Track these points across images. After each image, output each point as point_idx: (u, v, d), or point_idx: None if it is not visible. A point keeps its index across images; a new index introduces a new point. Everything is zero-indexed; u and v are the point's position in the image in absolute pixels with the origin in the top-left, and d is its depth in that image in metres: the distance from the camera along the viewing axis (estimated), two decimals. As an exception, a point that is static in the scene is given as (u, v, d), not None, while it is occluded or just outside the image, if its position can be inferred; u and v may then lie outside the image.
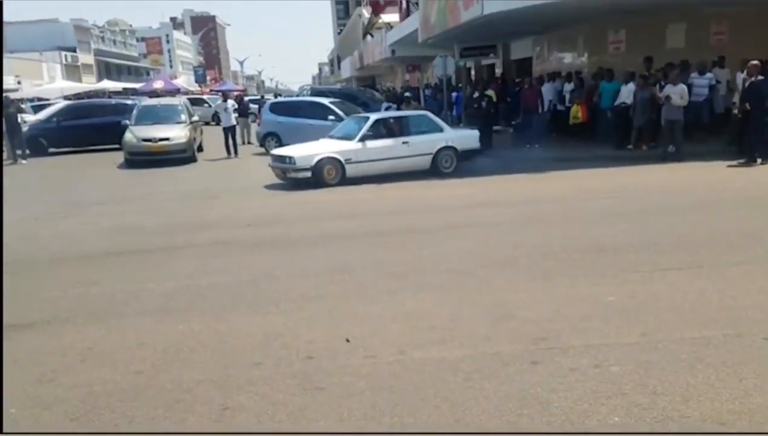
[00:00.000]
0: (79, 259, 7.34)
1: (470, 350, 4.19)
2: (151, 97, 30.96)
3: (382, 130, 12.33)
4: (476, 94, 15.75)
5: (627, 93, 13.41)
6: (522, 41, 20.93)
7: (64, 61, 58.31)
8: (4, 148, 18.88)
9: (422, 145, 12.25)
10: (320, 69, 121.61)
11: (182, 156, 16.40)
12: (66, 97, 33.93)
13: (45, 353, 4.53)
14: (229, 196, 11.57)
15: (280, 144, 15.72)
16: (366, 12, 40.55)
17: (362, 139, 11.94)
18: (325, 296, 5.46)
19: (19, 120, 18.55)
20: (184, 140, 16.58)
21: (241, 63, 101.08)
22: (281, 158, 12.03)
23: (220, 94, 32.89)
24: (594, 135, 14.45)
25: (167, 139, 16.40)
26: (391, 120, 12.81)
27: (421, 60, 28.58)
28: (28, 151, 18.39)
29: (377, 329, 4.64)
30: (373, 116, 12.79)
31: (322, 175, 11.55)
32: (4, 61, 43.46)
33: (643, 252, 6.22)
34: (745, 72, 11.62)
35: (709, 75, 13.57)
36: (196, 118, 19.56)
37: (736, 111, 11.98)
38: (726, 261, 5.85)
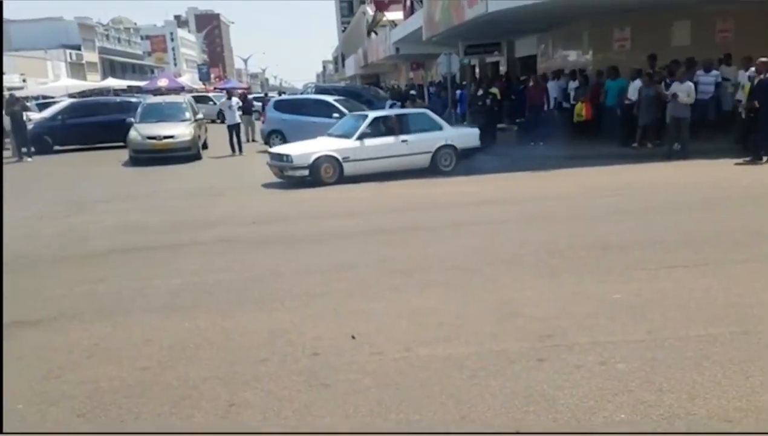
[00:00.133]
0: (85, 256, 7.36)
1: (476, 347, 4.19)
2: (155, 95, 31.00)
3: (380, 128, 12.24)
4: (480, 92, 15.72)
5: (633, 90, 13.38)
6: (527, 39, 20.89)
7: (68, 59, 58.51)
8: (10, 146, 19.00)
9: (421, 144, 12.16)
10: (324, 67, 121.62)
11: (187, 154, 16.42)
12: (71, 95, 33.98)
13: (51, 349, 4.55)
14: (234, 193, 11.59)
15: (285, 141, 15.69)
16: (370, 10, 40.55)
17: (360, 138, 11.87)
18: (330, 293, 5.46)
19: (25, 118, 18.60)
20: (188, 138, 16.61)
21: (245, 61, 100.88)
22: (279, 156, 11.96)
23: (224, 92, 32.93)
24: (599, 133, 14.41)
25: (172, 136, 16.43)
26: (390, 118, 12.70)
27: (426, 58, 28.54)
28: (33, 149, 18.45)
29: (383, 326, 4.64)
30: (372, 114, 12.73)
31: (320, 174, 11.47)
32: (10, 59, 43.64)
33: (648, 250, 6.21)
34: (752, 69, 11.57)
35: (714, 72, 13.51)
36: (200, 115, 19.59)
37: (740, 109, 11.92)
38: (732, 259, 5.83)
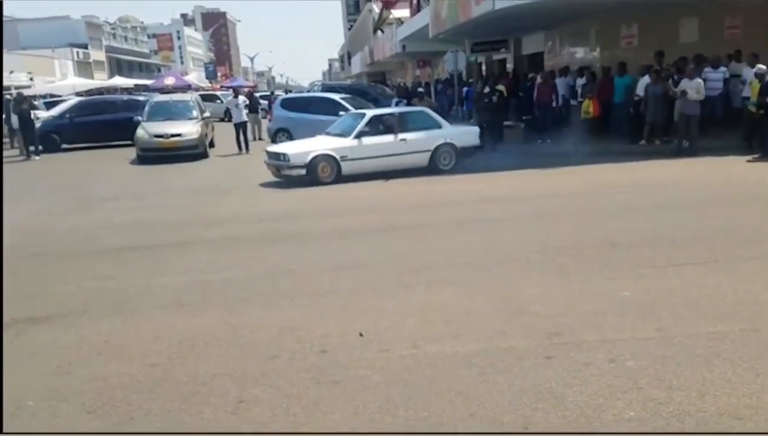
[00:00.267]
0: (93, 253, 7.39)
1: (484, 344, 4.19)
2: (162, 93, 31.07)
3: (378, 126, 12.09)
4: (487, 89, 15.67)
5: (642, 87, 13.33)
6: (534, 36, 20.80)
7: (75, 58, 58.71)
8: (18, 145, 19.09)
9: (420, 142, 12.04)
10: (330, 65, 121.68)
11: (194, 152, 16.45)
12: (78, 94, 34.10)
13: (61, 346, 4.57)
14: (241, 192, 11.60)
15: (292, 139, 15.68)
16: (376, 7, 40.48)
17: (358, 136, 11.76)
18: (338, 291, 5.47)
19: (33, 116, 18.68)
20: (195, 136, 16.64)
21: (252, 59, 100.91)
22: (276, 155, 11.86)
23: (231, 90, 32.95)
24: (607, 130, 14.36)
25: (179, 135, 16.46)
26: (388, 116, 12.53)
27: (432, 55, 28.48)
28: (41, 148, 18.53)
29: (391, 323, 4.65)
30: (370, 113, 12.62)
31: (317, 173, 11.37)
32: (17, 57, 43.84)
33: (657, 247, 6.19)
34: (759, 66, 11.51)
35: (722, 69, 13.45)
36: (207, 114, 19.62)
37: (749, 106, 11.85)
38: (741, 256, 5.80)
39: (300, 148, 11.80)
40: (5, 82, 34.19)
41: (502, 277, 5.62)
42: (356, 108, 16.48)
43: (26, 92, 25.63)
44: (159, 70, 78.83)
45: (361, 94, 21.99)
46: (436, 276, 5.75)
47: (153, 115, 17.75)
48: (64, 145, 20.01)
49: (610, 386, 3.54)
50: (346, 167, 11.59)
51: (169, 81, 45.31)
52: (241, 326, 4.76)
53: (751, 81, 11.85)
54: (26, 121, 18.14)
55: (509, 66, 23.75)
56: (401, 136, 11.94)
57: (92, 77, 55.53)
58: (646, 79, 13.23)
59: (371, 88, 29.43)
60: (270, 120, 18.81)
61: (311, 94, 24.83)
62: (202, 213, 9.58)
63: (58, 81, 45.52)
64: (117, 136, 19.85)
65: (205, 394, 3.73)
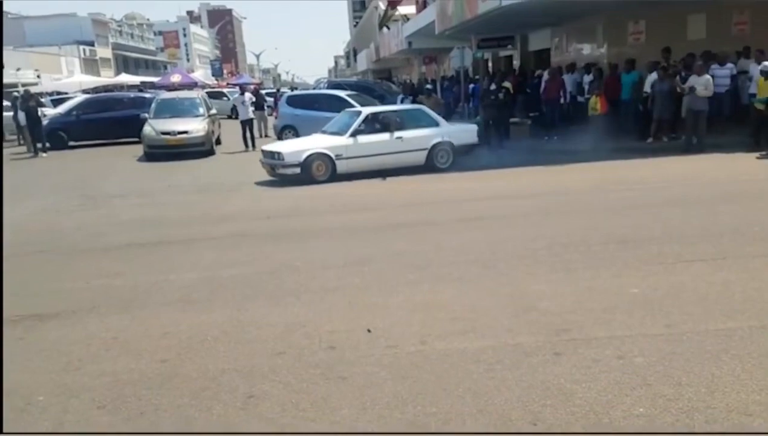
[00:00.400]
0: (101, 251, 7.42)
1: (492, 340, 4.19)
2: (168, 90, 31.14)
3: (375, 125, 11.99)
4: (493, 86, 15.64)
5: (650, 83, 13.27)
6: (540, 32, 20.74)
7: (82, 55, 58.86)
8: (24, 142, 19.18)
9: (416, 140, 11.95)
10: (336, 62, 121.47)
11: (201, 149, 16.49)
12: (84, 91, 34.22)
13: (71, 342, 4.59)
14: (247, 188, 11.61)
15: (298, 137, 15.69)
16: (382, 4, 40.41)
17: (354, 135, 11.67)
18: (345, 287, 5.48)
19: (40, 114, 18.76)
20: (202, 133, 16.68)
21: (258, 56, 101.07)
22: (270, 154, 11.76)
23: (237, 87, 33.00)
24: (614, 126, 14.30)
25: (186, 132, 16.51)
26: (384, 115, 12.44)
27: (438, 52, 28.39)
28: (48, 145, 18.62)
29: (398, 319, 4.65)
30: (365, 111, 12.52)
31: (311, 172, 11.30)
32: (24, 55, 44.02)
33: (666, 244, 6.17)
34: (765, 63, 11.44)
35: (729, 65, 13.38)
36: (214, 111, 19.65)
37: (755, 103, 11.79)
38: (750, 253, 5.78)
39: (294, 147, 11.76)
40: (12, 80, 34.41)
41: (508, 274, 5.62)
42: (362, 105, 16.48)
43: (33, 90, 25.78)
44: (165, 68, 78.90)
45: (366, 91, 21.96)
46: (442, 273, 5.75)
47: (160, 112, 17.80)
48: (72, 143, 20.08)
49: (619, 383, 3.53)
50: (342, 166, 11.51)
51: (176, 78, 45.37)
52: (249, 322, 4.78)
53: (757, 78, 11.78)
54: (33, 118, 18.22)
55: (516, 63, 23.71)
56: (397, 134, 11.86)
57: (99, 74, 55.73)
58: (653, 76, 13.18)
59: (377, 85, 29.38)
60: (276, 117, 18.80)
61: (317, 91, 24.81)
62: (209, 210, 9.60)
63: (65, 78, 45.73)
64: (124, 133, 19.91)
65: (215, 389, 3.74)
